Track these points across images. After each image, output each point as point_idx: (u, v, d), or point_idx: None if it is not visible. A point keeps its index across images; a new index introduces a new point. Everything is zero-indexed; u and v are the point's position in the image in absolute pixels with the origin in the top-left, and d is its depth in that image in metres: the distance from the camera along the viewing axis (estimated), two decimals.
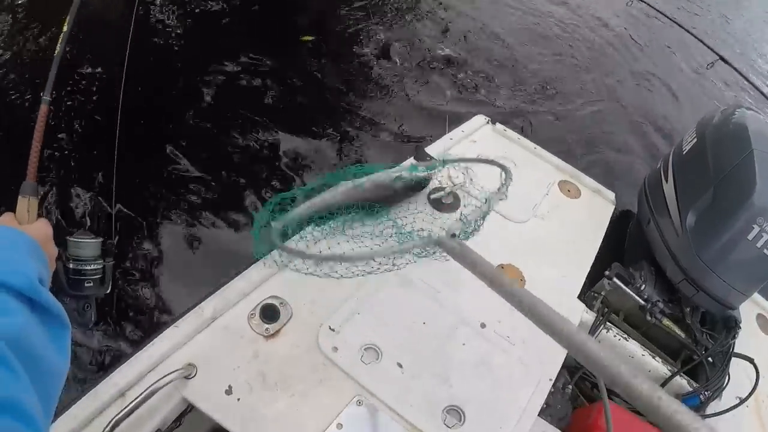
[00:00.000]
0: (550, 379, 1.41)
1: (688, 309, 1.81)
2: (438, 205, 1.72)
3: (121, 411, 1.04)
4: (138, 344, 1.23)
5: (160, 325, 1.27)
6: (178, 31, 3.35)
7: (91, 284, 0.87)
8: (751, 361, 1.68)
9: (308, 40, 3.93)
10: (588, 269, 1.73)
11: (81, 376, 1.84)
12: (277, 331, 1.31)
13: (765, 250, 1.60)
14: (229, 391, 1.19)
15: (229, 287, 1.36)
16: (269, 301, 1.35)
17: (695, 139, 1.87)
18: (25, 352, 0.56)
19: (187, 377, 1.19)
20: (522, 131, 3.61)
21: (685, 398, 1.65)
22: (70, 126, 2.53)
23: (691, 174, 1.80)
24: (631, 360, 1.70)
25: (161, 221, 2.43)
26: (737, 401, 1.61)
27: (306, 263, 1.38)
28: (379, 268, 1.39)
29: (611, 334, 1.70)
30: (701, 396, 1.64)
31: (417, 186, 1.68)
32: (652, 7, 2.80)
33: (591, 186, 2.09)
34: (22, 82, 2.69)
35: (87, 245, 0.87)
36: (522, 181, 1.96)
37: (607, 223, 1.90)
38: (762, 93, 2.56)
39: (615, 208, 2.04)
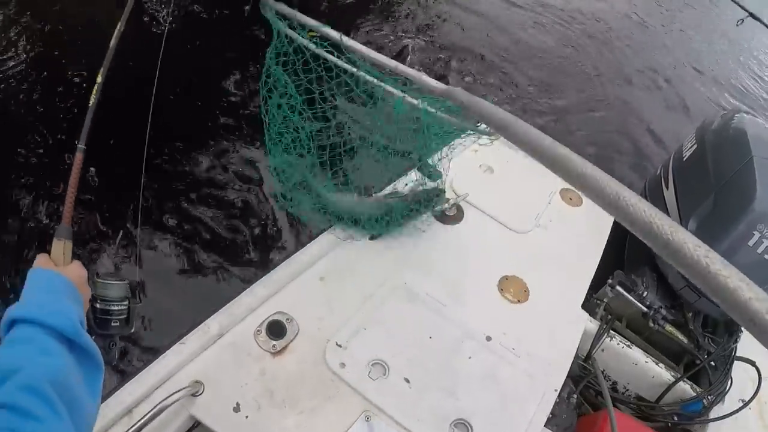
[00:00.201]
0: (556, 390, 1.42)
1: (690, 314, 1.83)
2: (442, 217, 1.73)
3: (129, 429, 1.04)
4: (144, 361, 1.24)
5: (166, 341, 1.27)
6: (201, 69, 3.36)
7: (117, 324, 0.90)
8: (753, 363, 1.69)
9: (314, 36, 3.93)
10: (591, 278, 1.74)
11: None
12: (284, 348, 1.31)
13: (765, 256, 1.62)
14: (237, 409, 1.19)
15: (235, 303, 1.36)
16: (276, 317, 1.36)
17: (695, 145, 1.88)
18: (65, 393, 0.57)
19: (194, 394, 1.19)
20: None
21: (688, 403, 1.67)
22: (98, 171, 2.62)
23: (692, 180, 1.81)
24: (635, 367, 1.71)
25: (172, 241, 2.47)
26: (740, 404, 1.62)
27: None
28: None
29: (615, 342, 1.71)
30: (705, 400, 1.66)
31: (429, 198, 1.66)
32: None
33: None
34: (56, 128, 2.78)
35: (114, 286, 0.90)
36: (524, 190, 1.97)
37: (609, 230, 1.91)
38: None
39: None
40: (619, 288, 1.78)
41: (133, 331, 0.93)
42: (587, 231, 1.90)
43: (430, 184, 1.67)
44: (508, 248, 1.74)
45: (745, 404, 1.61)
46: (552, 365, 1.47)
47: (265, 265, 2.05)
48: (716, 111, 4.44)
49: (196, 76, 3.22)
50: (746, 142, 1.72)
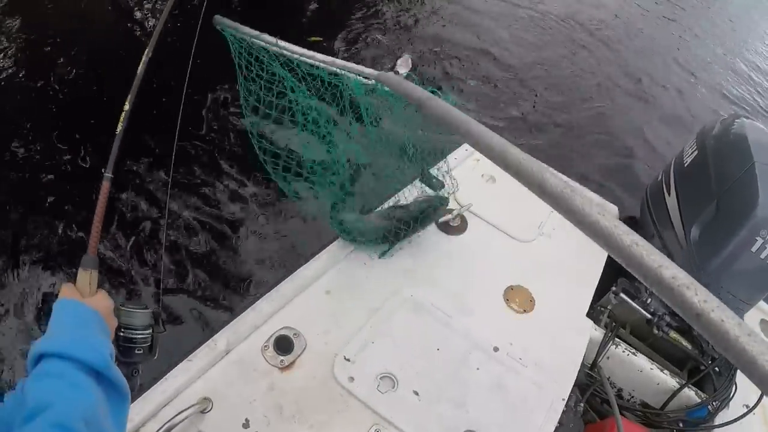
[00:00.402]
0: (563, 399, 1.43)
1: None
2: (446, 228, 1.73)
3: None
4: (152, 378, 1.23)
5: (174, 359, 1.27)
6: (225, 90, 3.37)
7: (141, 351, 0.89)
8: None
9: (318, 41, 3.98)
10: (595, 286, 1.75)
11: None
12: (292, 363, 1.31)
13: None
14: (246, 425, 1.19)
15: (241, 319, 1.36)
16: (283, 332, 1.36)
17: (696, 151, 1.89)
18: (94, 429, 0.57)
19: (202, 412, 1.18)
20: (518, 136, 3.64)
21: (693, 410, 1.68)
22: (121, 199, 2.64)
23: (694, 187, 1.82)
24: (640, 374, 1.72)
25: (188, 263, 2.48)
26: (745, 410, 1.63)
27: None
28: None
29: (620, 350, 1.71)
30: (710, 406, 1.67)
31: (433, 208, 1.65)
32: None
33: (594, 201, 2.10)
34: (82, 156, 2.79)
35: (138, 315, 0.89)
36: (526, 198, 1.96)
37: None
38: None
39: None
40: (623, 295, 1.79)
41: (156, 358, 0.93)
42: (590, 239, 1.90)
43: (432, 193, 1.67)
44: (512, 258, 1.74)
45: (750, 410, 1.62)
46: (559, 374, 1.47)
47: (270, 280, 2.05)
48: (715, 114, 4.50)
49: (221, 103, 3.24)
50: (747, 147, 1.73)
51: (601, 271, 1.80)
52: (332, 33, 4.16)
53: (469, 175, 1.98)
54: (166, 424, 1.10)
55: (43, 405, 0.56)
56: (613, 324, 1.78)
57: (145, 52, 1.08)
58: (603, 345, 1.68)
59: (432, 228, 1.71)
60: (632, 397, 1.79)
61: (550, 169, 0.75)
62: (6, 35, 3.44)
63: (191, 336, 2.03)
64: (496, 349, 1.47)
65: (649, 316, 1.78)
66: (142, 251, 2.44)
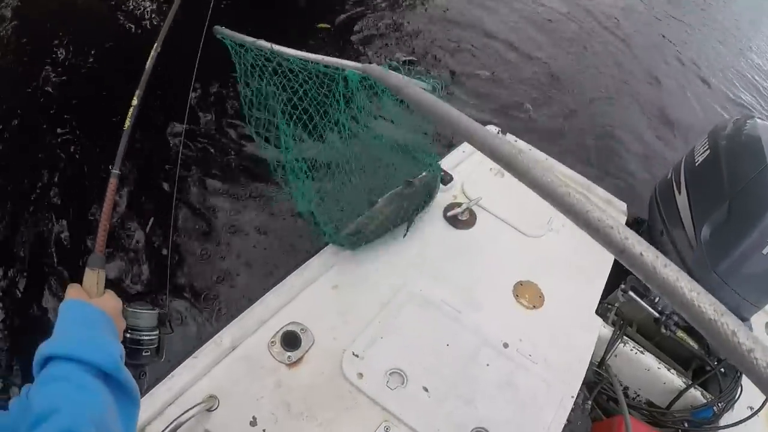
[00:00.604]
0: (572, 397, 1.41)
1: None
2: (454, 222, 1.70)
3: None
4: (156, 380, 1.20)
5: (179, 356, 1.24)
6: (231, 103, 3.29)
7: (148, 353, 0.87)
8: None
9: (325, 28, 3.92)
10: (604, 283, 1.74)
11: None
12: (300, 359, 1.28)
13: None
14: (253, 423, 1.17)
15: (247, 315, 1.33)
16: (290, 327, 1.33)
17: (708, 150, 1.86)
18: None
19: (209, 410, 1.16)
20: (519, 132, 3.60)
21: (699, 410, 1.67)
22: (129, 198, 2.59)
23: (706, 187, 1.80)
24: (647, 373, 1.71)
25: (196, 260, 2.44)
26: (750, 412, 1.63)
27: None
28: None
29: (628, 348, 1.70)
30: (715, 407, 1.66)
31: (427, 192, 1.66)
32: None
33: (602, 197, 2.08)
34: (88, 152, 2.73)
35: (145, 316, 0.86)
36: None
37: None
38: None
39: (626, 219, 2.04)
40: (631, 293, 1.77)
41: (162, 360, 0.89)
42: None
43: (427, 174, 1.68)
44: (521, 253, 1.72)
45: (755, 412, 1.62)
46: (568, 371, 1.46)
47: (276, 275, 2.02)
48: (725, 112, 4.48)
49: (229, 100, 3.18)
50: (761, 148, 1.71)
51: (610, 268, 1.78)
52: (340, 23, 4.11)
53: (477, 168, 1.95)
54: (172, 423, 1.07)
55: (49, 410, 0.53)
56: (621, 322, 1.77)
57: (154, 47, 1.06)
58: (611, 343, 1.67)
59: (441, 222, 1.68)
60: (638, 395, 1.79)
61: (517, 145, 0.76)
62: (13, 31, 3.37)
63: (197, 338, 2.01)
64: (506, 345, 1.45)
65: (657, 314, 1.76)
66: (149, 250, 2.40)
